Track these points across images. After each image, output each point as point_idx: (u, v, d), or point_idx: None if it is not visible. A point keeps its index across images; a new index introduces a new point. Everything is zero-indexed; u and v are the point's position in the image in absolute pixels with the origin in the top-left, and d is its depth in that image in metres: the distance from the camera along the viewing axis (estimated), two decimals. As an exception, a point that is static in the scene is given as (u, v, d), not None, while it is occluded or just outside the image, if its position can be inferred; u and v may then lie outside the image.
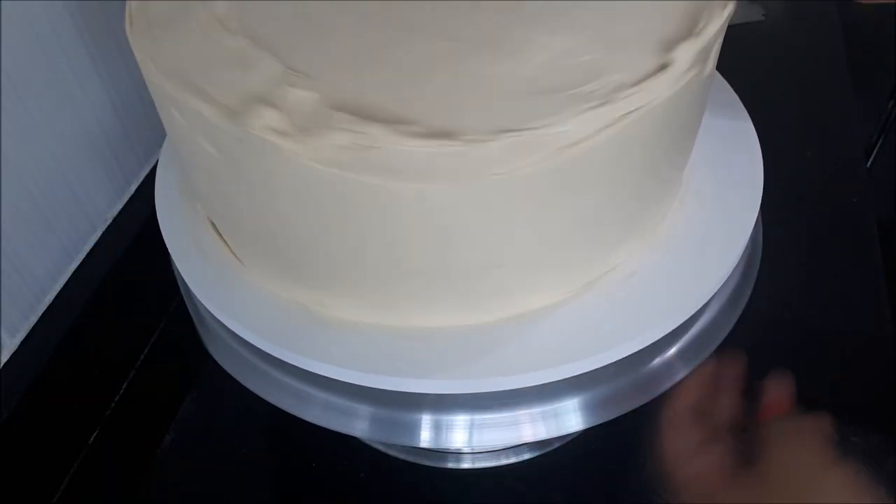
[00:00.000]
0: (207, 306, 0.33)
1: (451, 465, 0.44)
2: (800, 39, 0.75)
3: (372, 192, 0.24)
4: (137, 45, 0.28)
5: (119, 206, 0.49)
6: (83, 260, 0.46)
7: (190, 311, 0.37)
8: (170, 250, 0.35)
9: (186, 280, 0.34)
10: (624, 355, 0.30)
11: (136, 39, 0.28)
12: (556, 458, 0.44)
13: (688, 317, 0.31)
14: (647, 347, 0.31)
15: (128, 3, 0.30)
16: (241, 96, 0.25)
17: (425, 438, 0.32)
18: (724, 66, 0.37)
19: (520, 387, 0.29)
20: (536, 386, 0.31)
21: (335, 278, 0.29)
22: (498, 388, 0.29)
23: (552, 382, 0.30)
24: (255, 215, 0.28)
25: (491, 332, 0.30)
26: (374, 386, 0.30)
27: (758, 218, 0.35)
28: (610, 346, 0.29)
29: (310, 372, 0.31)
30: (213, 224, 0.35)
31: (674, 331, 0.32)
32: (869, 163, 0.77)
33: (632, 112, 0.24)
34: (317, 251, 0.28)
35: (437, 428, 0.32)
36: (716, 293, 0.33)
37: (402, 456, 0.45)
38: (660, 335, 0.30)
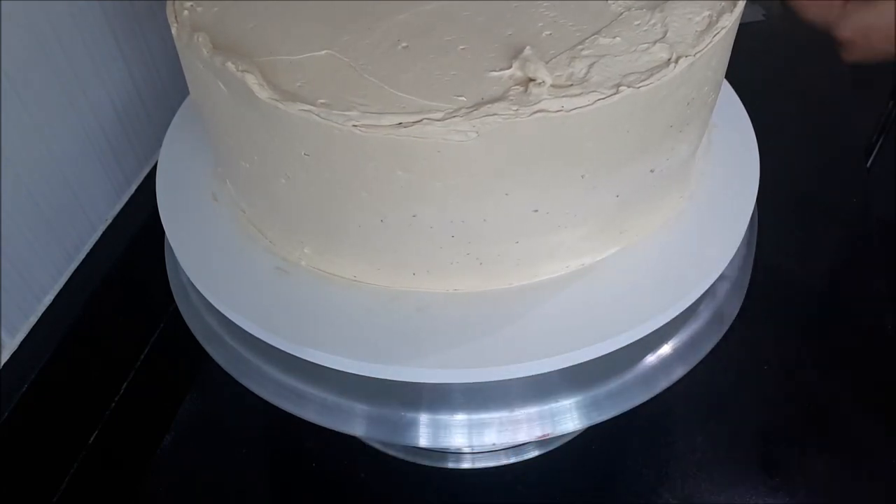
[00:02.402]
0: (198, 286, 0.33)
1: (451, 465, 0.44)
2: (800, 39, 0.75)
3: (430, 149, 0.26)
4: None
5: (119, 206, 0.49)
6: (83, 260, 0.46)
7: (183, 312, 0.37)
8: (168, 237, 0.35)
9: (183, 265, 0.34)
10: (621, 346, 0.30)
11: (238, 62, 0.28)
12: (556, 458, 0.44)
13: (685, 307, 0.31)
14: (643, 343, 0.31)
15: (177, 27, 0.30)
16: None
17: (422, 437, 0.32)
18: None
19: (514, 377, 0.29)
20: (534, 385, 0.31)
21: (369, 243, 0.30)
22: (493, 377, 0.29)
23: (550, 381, 0.30)
24: (301, 187, 0.30)
25: (491, 314, 0.31)
26: (365, 374, 0.30)
27: (753, 217, 0.35)
28: (610, 336, 0.30)
29: (306, 370, 0.31)
30: (216, 205, 0.35)
31: (669, 329, 0.32)
32: (869, 163, 0.77)
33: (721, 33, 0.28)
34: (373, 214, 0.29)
35: (435, 427, 0.32)
36: (713, 291, 0.33)
37: (401, 456, 0.45)
38: (655, 327, 0.30)
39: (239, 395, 0.35)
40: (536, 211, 0.29)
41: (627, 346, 0.30)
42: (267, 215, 0.33)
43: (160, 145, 0.40)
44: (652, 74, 0.27)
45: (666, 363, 0.33)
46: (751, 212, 0.35)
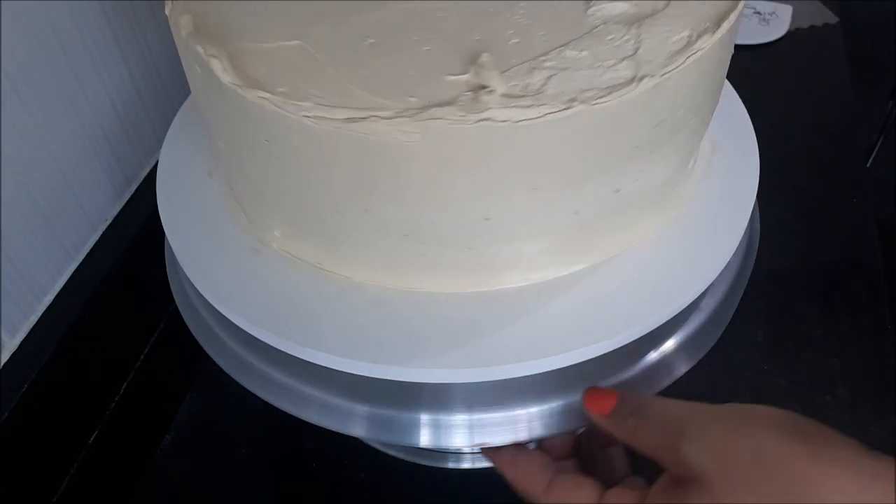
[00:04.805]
0: (198, 287, 0.33)
1: (451, 465, 0.44)
2: (800, 40, 0.75)
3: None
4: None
5: (119, 206, 0.49)
6: (83, 260, 0.46)
7: (182, 312, 0.37)
8: (168, 236, 0.35)
9: (183, 266, 0.34)
10: (620, 346, 0.30)
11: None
12: (556, 458, 0.44)
13: (685, 304, 0.31)
14: (644, 342, 0.31)
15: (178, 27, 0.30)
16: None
17: (423, 437, 0.32)
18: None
19: (514, 376, 0.29)
20: (534, 385, 0.31)
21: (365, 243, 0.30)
22: (494, 376, 0.29)
23: (550, 381, 0.30)
24: (286, 185, 0.30)
25: (488, 317, 0.30)
26: (366, 374, 0.30)
27: (753, 213, 0.35)
28: (609, 335, 0.30)
29: (306, 370, 0.31)
30: (217, 203, 0.36)
31: (668, 327, 0.32)
32: (869, 163, 0.77)
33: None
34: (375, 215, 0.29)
35: (436, 428, 0.32)
36: (712, 288, 0.33)
37: (401, 456, 0.45)
38: (654, 325, 0.30)
39: (239, 395, 0.35)
40: (488, 219, 0.28)
41: (627, 346, 0.30)
42: (248, 200, 0.34)
43: (160, 145, 0.40)
44: (611, 92, 0.25)
45: (665, 363, 0.33)
46: (748, 217, 0.34)
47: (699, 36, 0.28)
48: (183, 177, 0.37)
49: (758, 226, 0.38)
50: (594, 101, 0.25)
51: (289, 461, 0.46)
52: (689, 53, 0.27)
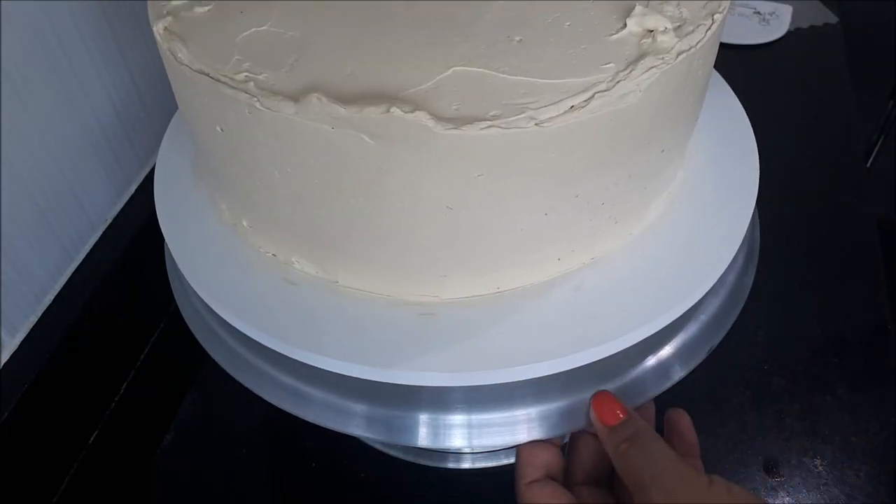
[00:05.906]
0: (199, 292, 0.33)
1: (451, 465, 0.44)
2: (800, 40, 0.75)
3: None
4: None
5: (119, 206, 0.49)
6: (83, 260, 0.46)
7: (183, 312, 0.37)
8: (167, 241, 0.35)
9: (182, 269, 0.34)
10: (620, 348, 0.30)
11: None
12: (556, 458, 0.44)
13: (686, 309, 0.31)
14: (645, 344, 0.31)
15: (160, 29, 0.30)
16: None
17: (422, 438, 0.32)
18: (724, 67, 0.37)
19: (514, 380, 0.29)
20: (534, 386, 0.31)
21: (359, 249, 0.30)
22: (493, 381, 0.29)
23: (550, 383, 0.30)
24: (291, 193, 0.30)
25: (486, 320, 0.30)
26: (363, 377, 0.30)
27: (754, 215, 0.35)
28: (610, 338, 0.30)
29: (306, 370, 0.31)
30: (214, 210, 0.35)
31: (669, 331, 0.31)
32: (869, 163, 0.78)
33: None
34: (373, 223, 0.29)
35: (434, 428, 0.32)
36: (713, 290, 0.33)
37: (402, 456, 0.45)
38: (653, 330, 0.30)
39: (239, 395, 0.35)
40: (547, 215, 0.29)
41: (628, 349, 0.30)
42: (267, 225, 0.33)
43: (160, 145, 0.40)
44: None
45: (666, 364, 0.33)
46: (748, 219, 0.34)
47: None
48: (181, 181, 0.37)
49: (758, 226, 0.38)
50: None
51: (289, 461, 0.46)
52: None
